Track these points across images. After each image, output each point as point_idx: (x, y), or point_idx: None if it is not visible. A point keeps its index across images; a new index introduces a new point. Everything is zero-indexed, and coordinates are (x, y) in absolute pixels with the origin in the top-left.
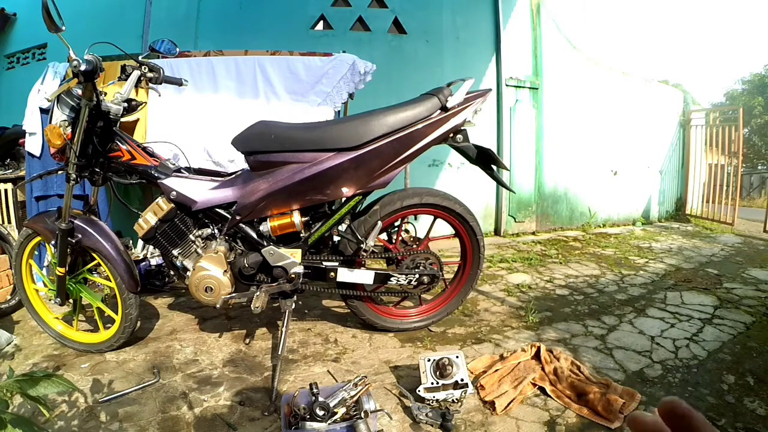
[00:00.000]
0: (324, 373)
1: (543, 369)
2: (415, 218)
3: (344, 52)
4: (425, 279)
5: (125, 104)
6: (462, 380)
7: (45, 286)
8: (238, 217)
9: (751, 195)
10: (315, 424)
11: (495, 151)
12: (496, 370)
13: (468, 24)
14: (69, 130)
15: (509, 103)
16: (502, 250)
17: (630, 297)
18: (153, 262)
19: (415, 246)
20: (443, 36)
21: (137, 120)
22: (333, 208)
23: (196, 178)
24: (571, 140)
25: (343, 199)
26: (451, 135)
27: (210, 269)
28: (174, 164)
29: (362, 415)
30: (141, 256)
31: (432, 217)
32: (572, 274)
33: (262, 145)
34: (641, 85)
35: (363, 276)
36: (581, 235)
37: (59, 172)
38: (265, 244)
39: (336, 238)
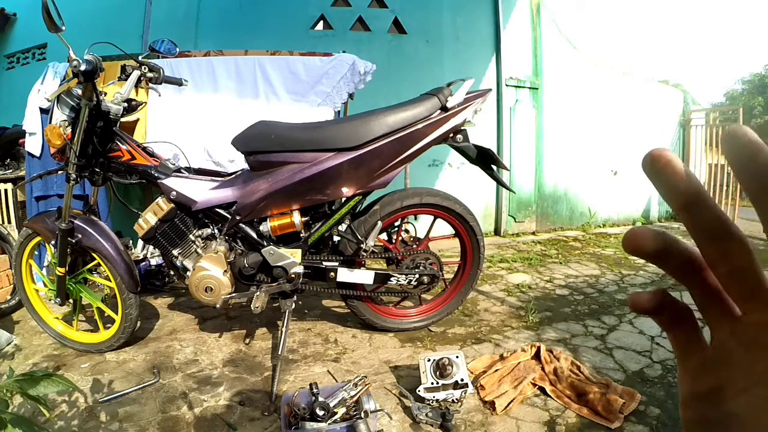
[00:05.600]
0: (324, 373)
1: (543, 369)
2: (415, 218)
3: (344, 52)
4: (425, 279)
5: (125, 104)
6: (462, 380)
7: (45, 286)
8: (238, 217)
9: None
10: (315, 424)
11: (495, 151)
12: (496, 370)
13: (468, 24)
14: (69, 130)
15: (509, 103)
16: (502, 250)
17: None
18: (153, 262)
19: (415, 246)
20: (443, 36)
21: (137, 120)
22: (333, 208)
23: (196, 178)
24: (571, 140)
25: (343, 199)
26: (451, 135)
27: (210, 269)
28: (174, 164)
29: (362, 415)
30: (141, 256)
31: (432, 217)
32: (572, 274)
33: (262, 145)
34: (641, 86)
35: (363, 276)
36: (581, 235)
37: (59, 172)
38: (265, 244)
39: (336, 238)
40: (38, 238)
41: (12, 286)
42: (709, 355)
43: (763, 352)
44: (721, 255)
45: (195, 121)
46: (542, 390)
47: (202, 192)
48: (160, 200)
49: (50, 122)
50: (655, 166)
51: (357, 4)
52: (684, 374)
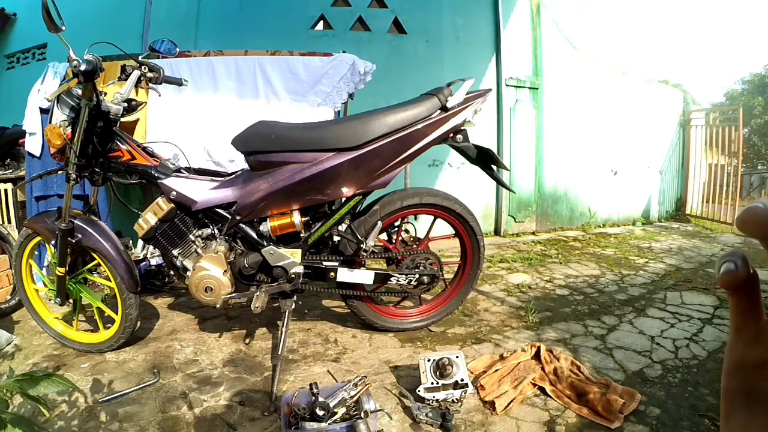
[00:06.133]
0: (324, 373)
1: (543, 369)
2: (415, 218)
3: (344, 52)
4: (425, 279)
5: (125, 104)
6: (462, 380)
7: (45, 286)
8: (238, 217)
9: (751, 195)
10: (315, 424)
11: (495, 151)
12: (496, 370)
13: (468, 24)
14: (69, 130)
15: (509, 103)
16: (502, 250)
17: (630, 297)
18: (153, 262)
19: (415, 246)
20: (443, 36)
21: (137, 120)
22: (333, 208)
23: (196, 178)
24: (571, 140)
25: (343, 199)
26: (451, 135)
27: (210, 269)
28: (174, 164)
29: (362, 415)
30: (141, 256)
31: (432, 217)
32: (572, 274)
33: (262, 145)
34: (641, 85)
35: (363, 276)
36: (581, 235)
37: (59, 172)
38: (265, 244)
39: (336, 238)
40: (38, 238)
41: (12, 286)
42: (766, 327)
43: None
44: None
45: (195, 121)
46: (542, 390)
47: (202, 192)
48: (160, 200)
49: (50, 122)
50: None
51: (357, 4)
52: (737, 342)
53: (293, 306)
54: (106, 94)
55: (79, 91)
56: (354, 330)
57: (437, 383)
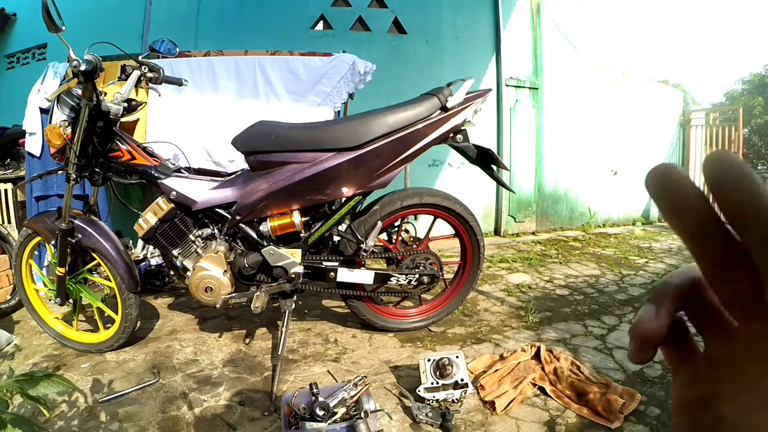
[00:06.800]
0: (324, 373)
1: (543, 369)
2: (415, 218)
3: (344, 52)
4: (425, 279)
5: (125, 104)
6: (462, 380)
7: (45, 286)
8: (238, 217)
9: None
10: (315, 424)
11: (495, 151)
12: (496, 370)
13: (468, 24)
14: (69, 130)
15: (509, 103)
16: (502, 250)
17: (630, 297)
18: (153, 262)
19: (415, 246)
20: (443, 36)
21: (137, 120)
22: (333, 208)
23: (196, 178)
24: (571, 140)
25: (343, 199)
26: (451, 135)
27: (210, 269)
28: (174, 164)
29: (362, 415)
30: (141, 256)
31: (432, 217)
32: (572, 274)
33: (262, 145)
34: (641, 85)
35: (363, 276)
36: (581, 235)
37: (59, 172)
38: (265, 244)
39: (336, 238)
40: (38, 238)
41: (12, 286)
42: (701, 365)
43: (754, 363)
44: (723, 281)
45: (195, 121)
46: (542, 390)
47: (202, 192)
48: (160, 200)
49: (50, 122)
50: (657, 184)
51: (357, 4)
52: (675, 383)
53: (293, 306)
54: (106, 94)
55: (79, 91)
56: (354, 330)
57: (437, 383)
